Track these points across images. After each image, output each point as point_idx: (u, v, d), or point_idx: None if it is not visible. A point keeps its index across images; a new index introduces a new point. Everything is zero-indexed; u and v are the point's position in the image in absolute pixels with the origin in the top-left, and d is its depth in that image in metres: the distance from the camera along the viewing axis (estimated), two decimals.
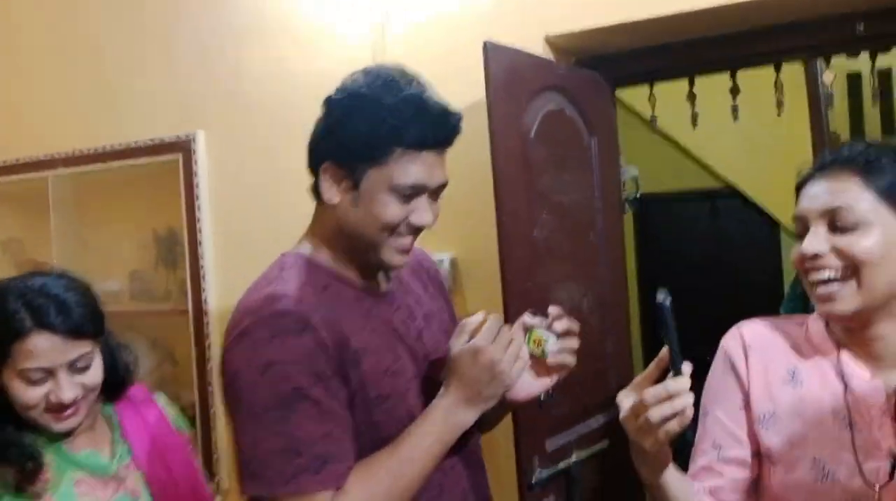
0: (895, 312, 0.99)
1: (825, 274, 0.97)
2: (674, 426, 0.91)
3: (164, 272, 2.59)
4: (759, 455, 1.06)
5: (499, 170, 1.73)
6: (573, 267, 1.96)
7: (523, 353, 1.15)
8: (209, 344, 2.39)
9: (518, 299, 1.75)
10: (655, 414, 0.91)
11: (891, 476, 0.95)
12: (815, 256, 0.97)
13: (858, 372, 1.01)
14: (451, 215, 2.05)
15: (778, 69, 2.13)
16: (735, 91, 2.16)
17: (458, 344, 1.12)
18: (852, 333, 1.02)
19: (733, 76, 2.10)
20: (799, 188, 1.04)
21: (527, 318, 1.20)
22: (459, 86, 1.97)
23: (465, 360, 1.11)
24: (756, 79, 2.20)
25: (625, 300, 2.25)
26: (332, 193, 1.16)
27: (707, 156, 4.45)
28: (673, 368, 0.94)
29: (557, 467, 1.81)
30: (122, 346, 1.33)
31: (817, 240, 0.97)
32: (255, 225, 2.34)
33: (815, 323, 1.07)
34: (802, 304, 1.82)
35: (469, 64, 1.82)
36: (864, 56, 2.29)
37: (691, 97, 2.20)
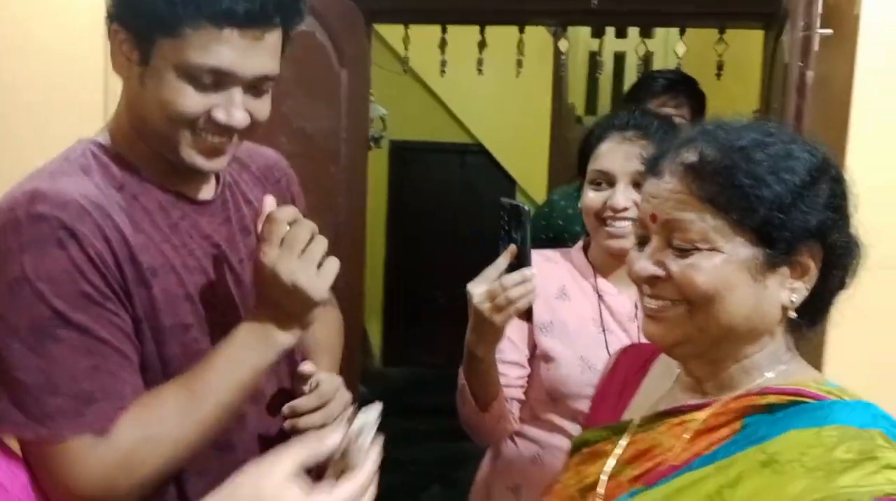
0: None
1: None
2: (524, 303, 1.07)
3: None
4: (535, 357, 1.30)
5: None
6: (311, 198, 1.92)
7: (329, 263, 0.92)
8: None
9: None
10: (514, 292, 1.06)
11: None
12: (625, 208, 1.18)
13: (610, 288, 1.28)
14: None
15: (521, 30, 2.25)
16: (482, 45, 2.25)
17: (259, 254, 0.91)
18: (607, 263, 1.28)
19: (482, 31, 2.18)
20: (599, 138, 1.23)
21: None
22: None
23: (263, 273, 0.90)
24: (507, 40, 2.30)
25: (362, 236, 2.27)
26: (120, 65, 0.92)
27: (458, 111, 4.64)
28: (525, 262, 1.09)
29: None
30: None
31: (624, 198, 1.19)
32: None
33: (577, 253, 1.34)
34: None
35: None
36: (606, 36, 2.50)
37: (442, 44, 2.25)
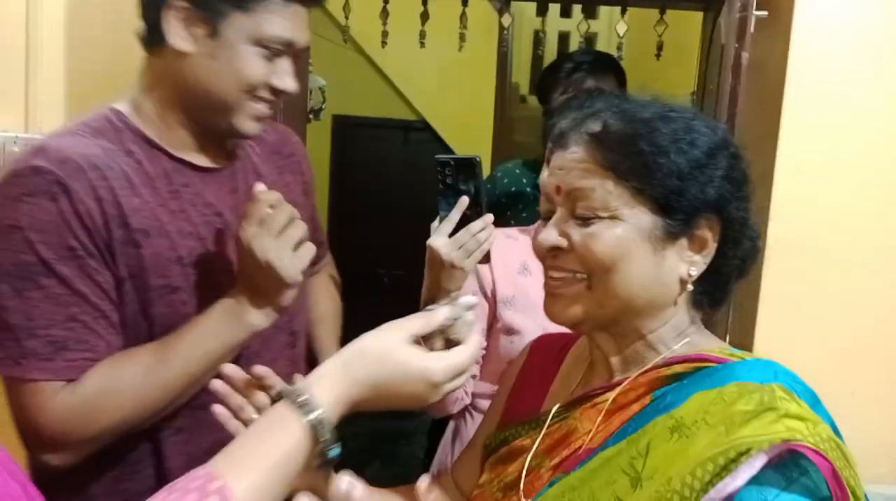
0: None
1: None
2: (488, 246, 1.15)
3: None
4: (494, 331, 1.38)
5: None
6: None
7: (304, 248, 0.97)
8: None
9: None
10: (482, 235, 1.14)
11: None
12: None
13: None
14: (108, 94, 1.82)
15: (465, 3, 2.22)
16: (425, 17, 2.21)
17: (239, 230, 0.96)
18: None
19: (425, 2, 2.14)
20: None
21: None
22: None
23: (240, 249, 0.96)
24: (451, 14, 2.27)
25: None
26: (184, 39, 0.99)
27: (401, 85, 4.59)
28: (482, 210, 1.16)
29: None
30: None
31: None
32: None
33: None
34: None
35: None
36: (551, 16, 2.48)
37: (384, 15, 2.20)
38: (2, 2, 1.83)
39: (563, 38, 5.16)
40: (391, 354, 0.71)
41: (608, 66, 1.78)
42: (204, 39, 0.99)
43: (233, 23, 0.98)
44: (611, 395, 0.79)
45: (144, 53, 1.07)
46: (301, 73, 2.09)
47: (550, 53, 4.73)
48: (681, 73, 3.19)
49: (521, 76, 5.34)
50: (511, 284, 1.36)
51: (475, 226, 1.13)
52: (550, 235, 0.80)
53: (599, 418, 0.78)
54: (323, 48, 2.94)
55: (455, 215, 1.14)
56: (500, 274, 1.39)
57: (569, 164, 0.78)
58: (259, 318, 0.99)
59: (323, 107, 2.21)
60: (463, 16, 2.23)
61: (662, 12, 2.13)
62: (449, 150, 4.78)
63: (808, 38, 1.62)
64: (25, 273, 0.92)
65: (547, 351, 0.97)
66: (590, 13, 3.71)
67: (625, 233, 0.76)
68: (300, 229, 0.97)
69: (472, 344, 0.75)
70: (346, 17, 2.26)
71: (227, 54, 0.99)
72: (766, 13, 1.53)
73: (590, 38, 3.19)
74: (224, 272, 1.04)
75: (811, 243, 1.59)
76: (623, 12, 2.16)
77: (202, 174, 1.06)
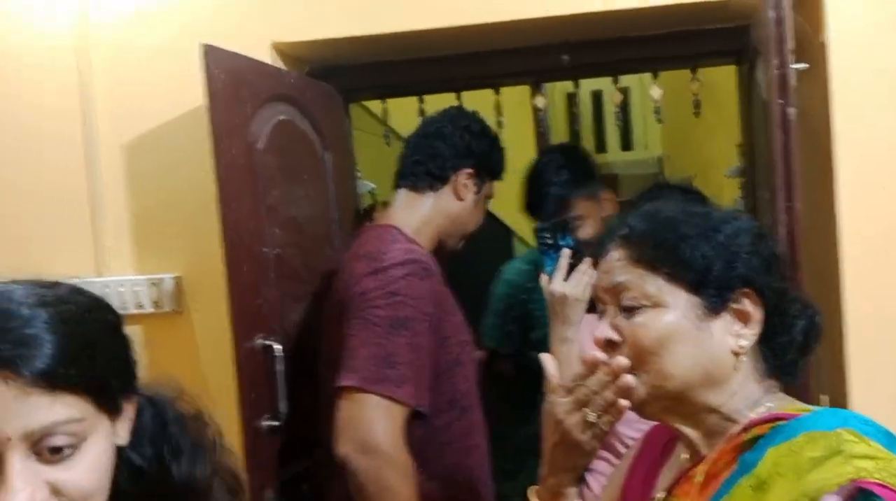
0: None
1: None
2: (592, 279, 1.09)
3: None
4: None
5: (223, 182, 1.62)
6: (309, 285, 1.91)
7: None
8: None
9: (247, 319, 1.66)
10: (590, 272, 1.29)
11: None
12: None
13: None
14: (173, 232, 1.91)
15: (497, 92, 2.27)
16: None
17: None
18: None
19: (458, 97, 2.20)
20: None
21: None
22: (177, 89, 1.84)
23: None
24: (485, 100, 2.33)
25: None
26: (466, 193, 1.63)
27: None
28: (582, 255, 1.43)
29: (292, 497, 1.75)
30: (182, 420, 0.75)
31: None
32: None
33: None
34: (500, 321, 2.35)
35: (187, 66, 1.70)
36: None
37: (421, 114, 2.27)
38: (61, 151, 1.94)
39: (597, 96, 5.21)
40: None
41: (585, 171, 2.13)
42: (473, 194, 1.64)
43: (486, 187, 1.67)
44: (702, 468, 0.83)
45: (407, 190, 1.65)
46: (348, 182, 2.17)
47: (585, 111, 4.82)
48: (718, 121, 3.17)
49: (559, 139, 5.37)
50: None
51: (583, 266, 1.41)
52: (604, 330, 0.87)
53: (695, 491, 0.82)
54: (363, 139, 3.03)
55: (564, 263, 1.43)
56: (586, 339, 1.46)
57: (608, 266, 0.89)
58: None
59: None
60: (497, 104, 2.28)
61: (694, 71, 2.14)
62: (500, 223, 4.79)
63: (846, 79, 1.60)
64: (396, 324, 1.38)
65: (656, 441, 1.01)
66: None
67: (667, 317, 0.84)
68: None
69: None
70: (386, 121, 2.34)
71: (480, 204, 1.67)
72: (806, 65, 1.53)
73: (624, 93, 3.22)
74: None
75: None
76: (655, 76, 2.18)
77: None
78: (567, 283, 1.42)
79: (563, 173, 2.10)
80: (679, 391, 0.83)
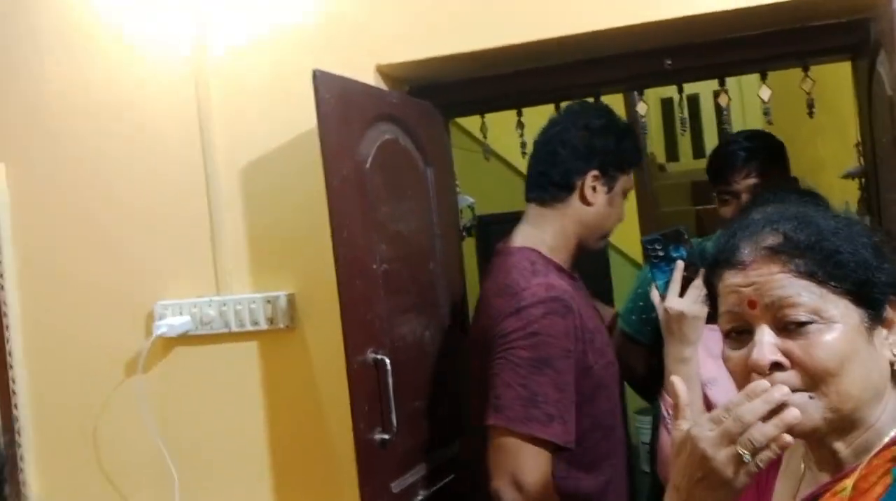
0: None
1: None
2: (704, 303, 0.95)
3: None
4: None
5: (334, 201, 1.67)
6: (415, 298, 1.94)
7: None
8: (14, 393, 2.12)
9: (359, 333, 1.70)
10: (705, 287, 0.90)
11: None
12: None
13: None
14: (287, 250, 1.99)
15: (597, 100, 2.24)
16: None
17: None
18: None
19: (557, 107, 2.19)
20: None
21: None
22: (288, 114, 1.92)
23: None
24: None
25: (464, 326, 2.26)
26: (596, 196, 1.56)
27: None
28: (698, 266, 1.38)
29: None
30: None
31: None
32: (66, 262, 2.12)
33: None
34: (639, 315, 2.14)
35: (297, 92, 1.77)
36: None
37: (520, 126, 2.27)
38: (182, 176, 2.05)
39: (693, 100, 5.07)
40: None
41: (778, 152, 2.03)
42: (604, 194, 1.57)
43: (619, 182, 1.59)
44: (849, 483, 0.79)
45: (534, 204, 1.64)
46: (449, 196, 2.19)
47: (655, 118, 4.74)
48: (831, 120, 3.02)
49: (657, 146, 5.27)
50: (714, 366, 1.38)
51: (698, 280, 1.33)
52: (770, 352, 0.79)
53: None
54: (460, 156, 3.06)
55: (678, 276, 1.39)
56: (703, 356, 1.46)
57: (759, 279, 0.81)
58: None
59: (473, 223, 2.27)
60: None
61: (806, 69, 2.04)
62: None
63: None
64: (539, 364, 1.39)
65: None
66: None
67: (841, 334, 0.78)
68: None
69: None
70: (485, 136, 2.35)
71: (617, 200, 1.60)
72: None
73: (717, 93, 3.12)
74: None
75: None
76: (763, 77, 2.10)
77: (578, 286, 1.60)
78: (684, 300, 1.36)
79: (756, 142, 2.03)
80: (853, 410, 0.79)
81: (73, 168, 2.11)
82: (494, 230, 5.24)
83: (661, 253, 1.43)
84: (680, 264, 1.39)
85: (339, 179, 1.68)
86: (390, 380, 1.72)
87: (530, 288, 1.46)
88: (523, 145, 2.26)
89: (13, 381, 2.14)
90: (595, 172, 1.56)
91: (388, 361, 1.71)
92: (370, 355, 1.71)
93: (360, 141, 1.79)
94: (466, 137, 3.14)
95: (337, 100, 1.70)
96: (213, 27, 2.00)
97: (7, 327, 2.14)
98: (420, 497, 1.81)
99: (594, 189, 1.56)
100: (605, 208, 1.58)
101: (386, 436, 1.72)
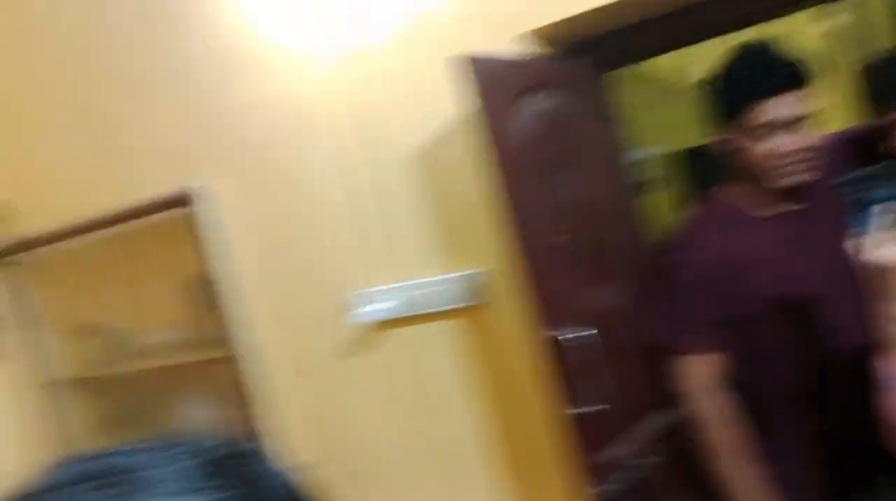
0: None
1: None
2: None
3: (203, 321, 2.51)
4: None
5: (502, 179, 1.68)
6: (600, 266, 1.90)
7: None
8: (253, 387, 2.38)
9: (547, 307, 1.69)
10: None
11: None
12: None
13: None
14: (476, 231, 2.03)
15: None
16: None
17: None
18: None
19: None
20: None
21: None
22: (441, 100, 1.95)
23: None
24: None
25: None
26: (742, 137, 1.57)
27: None
28: None
29: (625, 476, 1.74)
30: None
31: None
32: (280, 263, 2.36)
33: None
34: None
35: (444, 79, 1.80)
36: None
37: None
38: (370, 176, 2.17)
39: None
40: None
41: None
42: (751, 131, 1.55)
43: (757, 112, 1.54)
44: None
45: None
46: (619, 152, 2.09)
47: None
48: None
49: None
50: None
51: None
52: None
53: None
54: (661, 101, 2.88)
55: (881, 223, 1.22)
56: None
57: None
58: None
59: (659, 176, 2.16)
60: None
61: None
62: None
63: None
64: (682, 288, 1.68)
65: None
66: None
67: None
68: None
69: None
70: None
71: (763, 133, 1.55)
72: None
73: None
74: (813, 280, 1.62)
75: None
76: None
77: (776, 220, 1.65)
78: (890, 250, 1.18)
79: None
80: None
81: (276, 176, 2.32)
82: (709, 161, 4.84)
83: (855, 197, 1.23)
84: (879, 209, 1.21)
85: (503, 157, 1.69)
86: (595, 354, 1.70)
87: (679, 235, 1.75)
88: None
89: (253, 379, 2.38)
90: (732, 113, 1.61)
91: (590, 333, 1.70)
92: (563, 328, 1.70)
93: (518, 114, 1.78)
94: (642, 82, 2.93)
95: (489, 79, 1.70)
96: (360, 23, 2.10)
97: (240, 323, 2.37)
98: (637, 462, 1.78)
99: (742, 127, 1.60)
100: (754, 145, 1.61)
101: (591, 409, 1.70)
